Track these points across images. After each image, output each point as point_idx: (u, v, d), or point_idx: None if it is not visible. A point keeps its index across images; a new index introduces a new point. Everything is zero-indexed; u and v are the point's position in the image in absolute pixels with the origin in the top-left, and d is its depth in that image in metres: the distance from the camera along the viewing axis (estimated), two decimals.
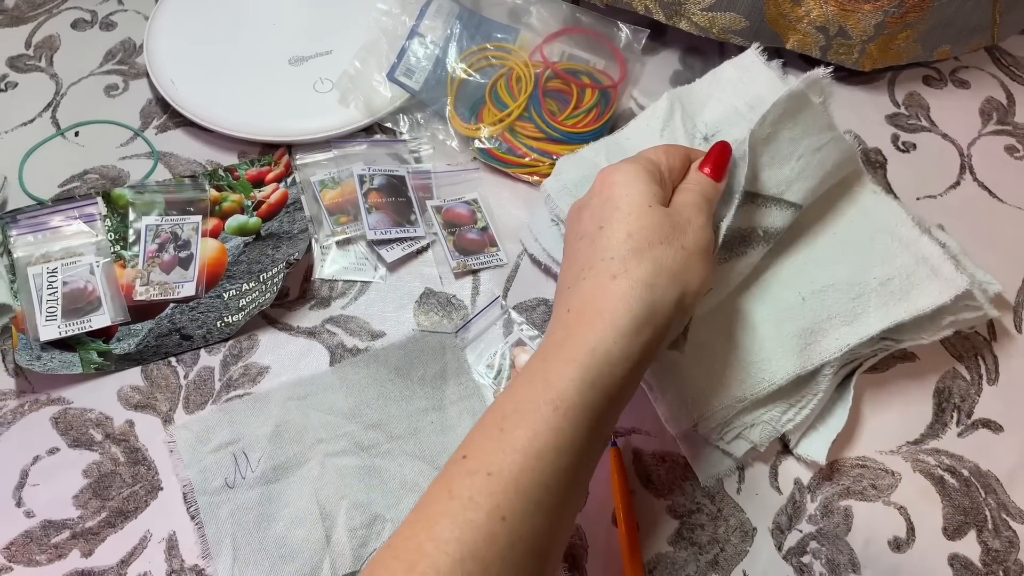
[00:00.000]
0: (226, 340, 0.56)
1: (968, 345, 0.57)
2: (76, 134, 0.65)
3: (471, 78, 0.66)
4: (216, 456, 0.51)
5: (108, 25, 0.72)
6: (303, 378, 0.54)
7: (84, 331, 0.54)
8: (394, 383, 0.54)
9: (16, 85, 0.68)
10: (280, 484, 0.50)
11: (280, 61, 0.66)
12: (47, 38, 0.71)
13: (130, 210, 0.60)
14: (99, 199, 0.60)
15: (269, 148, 0.65)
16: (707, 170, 0.47)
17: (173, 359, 0.55)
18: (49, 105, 0.67)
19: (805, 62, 0.69)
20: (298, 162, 0.63)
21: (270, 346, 0.56)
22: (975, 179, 0.65)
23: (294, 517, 0.49)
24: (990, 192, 0.64)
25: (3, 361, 0.54)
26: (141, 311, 0.56)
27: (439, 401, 0.54)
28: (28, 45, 0.70)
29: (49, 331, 0.54)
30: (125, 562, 0.48)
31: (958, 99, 0.69)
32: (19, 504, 0.49)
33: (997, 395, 0.55)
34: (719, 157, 0.48)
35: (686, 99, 0.61)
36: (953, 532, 0.50)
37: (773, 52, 0.60)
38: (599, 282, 0.41)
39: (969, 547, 0.49)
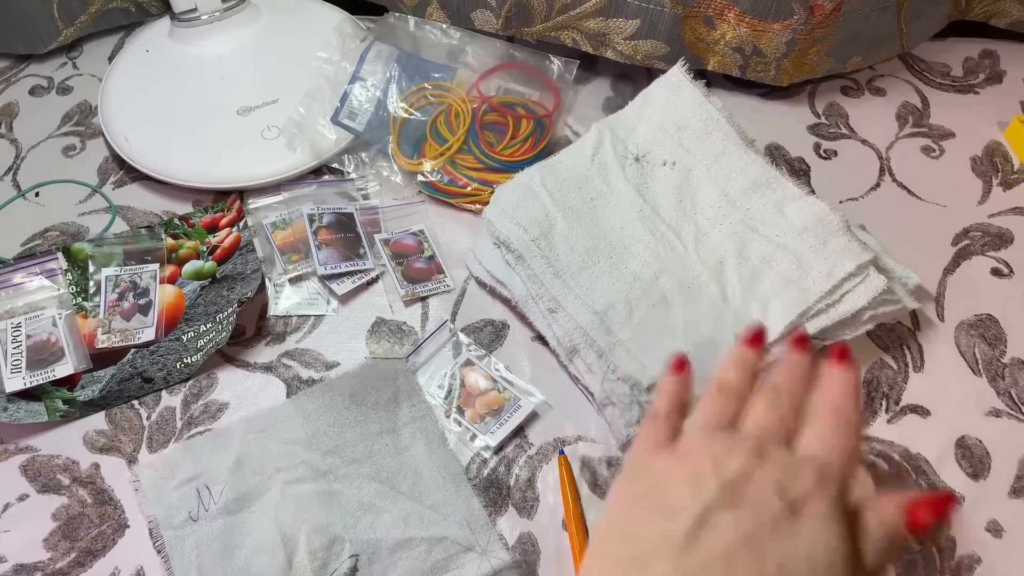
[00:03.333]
0: (186, 380, 0.58)
1: (893, 336, 0.60)
2: (36, 194, 0.68)
3: (412, 117, 0.69)
4: (180, 492, 0.53)
5: (64, 90, 0.75)
6: (262, 411, 0.56)
7: (49, 380, 0.56)
8: (349, 410, 0.56)
9: None
10: (242, 514, 0.52)
11: (228, 112, 0.69)
12: (6, 105, 0.74)
13: (90, 263, 0.62)
14: (59, 254, 0.63)
15: (222, 195, 0.68)
16: (919, 518, 0.33)
17: (136, 402, 0.57)
18: (10, 169, 0.69)
19: (729, 81, 0.73)
20: (250, 206, 0.66)
21: (229, 383, 0.58)
22: (894, 180, 0.68)
23: (257, 545, 0.51)
24: (909, 191, 0.67)
25: None
26: (104, 358, 0.58)
27: (393, 424, 0.56)
28: None
29: (15, 383, 0.56)
30: None
31: (875, 106, 0.73)
32: None
33: (923, 381, 0.58)
34: (942, 507, 0.34)
35: (616, 125, 0.65)
36: None
37: (697, 74, 0.63)
38: None
39: None
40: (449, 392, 0.57)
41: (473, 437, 0.56)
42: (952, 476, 0.54)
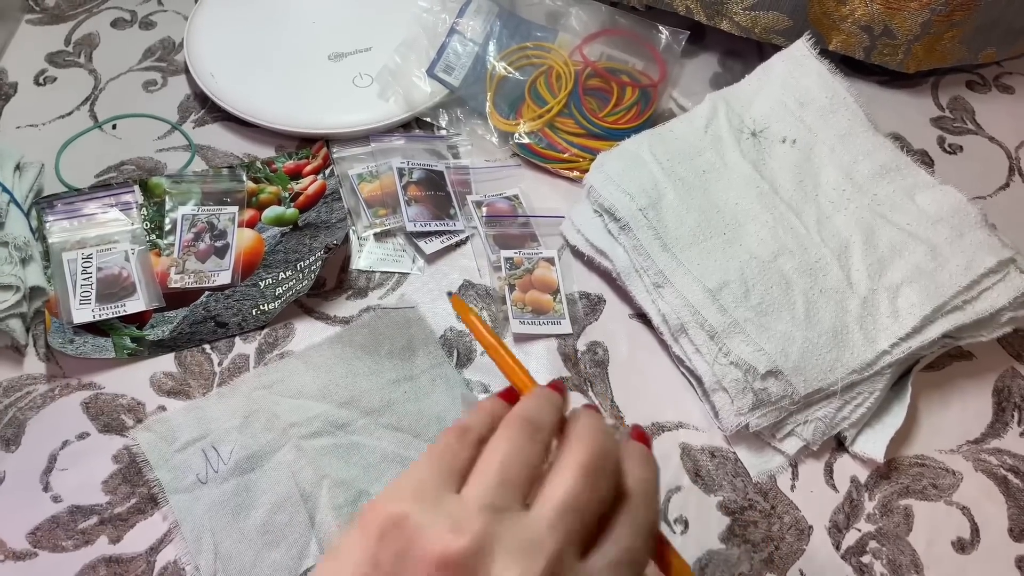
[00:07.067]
0: (262, 328, 0.54)
1: None
2: (114, 127, 0.65)
3: (510, 75, 0.65)
4: (184, 454, 0.48)
5: (148, 24, 0.72)
6: (267, 367, 0.53)
7: (118, 315, 0.53)
8: (361, 360, 0.52)
9: (55, 80, 0.68)
10: (255, 473, 0.48)
11: (319, 57, 0.66)
12: (87, 36, 0.71)
13: (166, 199, 0.59)
14: (136, 187, 0.60)
15: (306, 143, 0.64)
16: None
17: (207, 346, 0.53)
18: (87, 99, 0.66)
19: (845, 65, 0.69)
20: (336, 155, 0.63)
21: (306, 335, 0.54)
22: None
23: (274, 503, 0.47)
24: None
25: (34, 346, 0.53)
26: (176, 298, 0.55)
27: (409, 371, 0.52)
28: (68, 42, 0.71)
29: (83, 314, 0.53)
30: (154, 549, 0.46)
31: (1003, 104, 0.68)
32: (46, 489, 0.48)
33: None
34: None
35: (731, 97, 0.61)
36: (1019, 533, 0.47)
37: None
38: None
39: None
40: (518, 267, 0.56)
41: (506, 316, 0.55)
42: None
